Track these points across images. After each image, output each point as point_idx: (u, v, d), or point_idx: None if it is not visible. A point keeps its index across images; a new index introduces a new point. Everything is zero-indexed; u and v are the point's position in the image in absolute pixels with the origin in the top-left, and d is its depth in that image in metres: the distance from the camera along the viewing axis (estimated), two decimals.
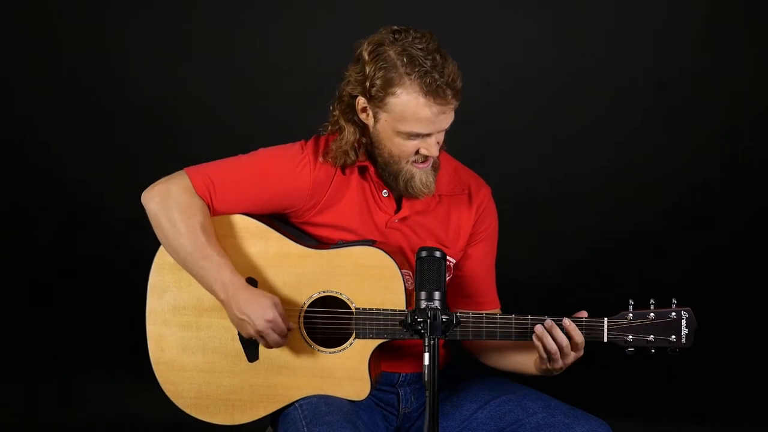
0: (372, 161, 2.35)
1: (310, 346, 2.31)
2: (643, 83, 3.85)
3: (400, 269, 2.26)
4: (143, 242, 2.41)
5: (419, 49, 2.16)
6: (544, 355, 2.22)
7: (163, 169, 2.37)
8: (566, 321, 2.21)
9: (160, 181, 2.31)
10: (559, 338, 2.20)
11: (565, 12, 3.85)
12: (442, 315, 1.87)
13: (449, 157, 2.45)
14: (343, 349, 2.29)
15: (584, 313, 2.26)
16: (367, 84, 2.21)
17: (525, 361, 2.37)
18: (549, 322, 2.21)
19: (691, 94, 3.84)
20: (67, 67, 3.91)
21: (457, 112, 2.25)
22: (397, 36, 2.20)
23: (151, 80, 3.90)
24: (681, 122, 3.87)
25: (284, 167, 2.32)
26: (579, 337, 2.21)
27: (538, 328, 2.21)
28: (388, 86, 2.19)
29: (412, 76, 2.16)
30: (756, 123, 3.84)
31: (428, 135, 2.23)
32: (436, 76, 2.15)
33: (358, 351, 2.28)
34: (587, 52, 3.85)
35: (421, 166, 2.28)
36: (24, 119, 3.95)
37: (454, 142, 2.37)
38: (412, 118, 2.20)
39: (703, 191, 3.87)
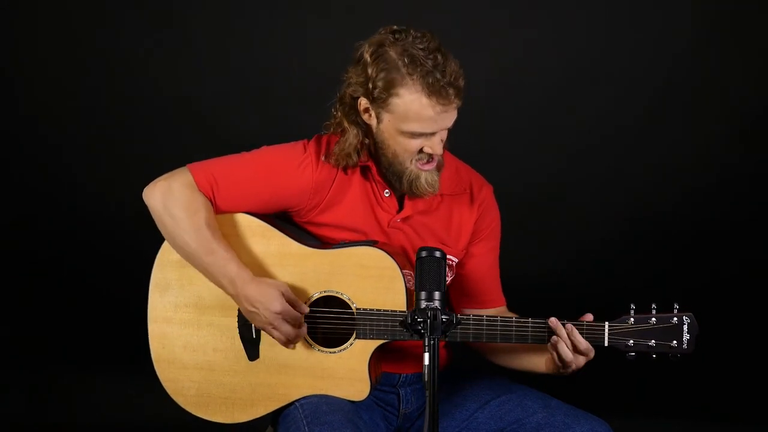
0: (374, 161, 2.36)
1: (311, 345, 2.31)
2: (644, 84, 3.86)
3: (401, 270, 2.26)
4: (146, 239, 2.42)
5: (420, 48, 2.17)
6: (559, 363, 2.23)
7: (164, 165, 2.36)
8: (569, 326, 2.21)
9: (161, 177, 2.31)
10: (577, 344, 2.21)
11: (565, 13, 3.86)
12: (442, 315, 1.87)
13: (451, 156, 2.44)
14: (344, 349, 2.29)
15: (589, 317, 2.26)
16: (369, 86, 2.21)
17: (536, 361, 2.36)
18: (570, 325, 2.21)
19: (691, 96, 3.85)
20: (71, 67, 3.93)
21: (458, 111, 2.25)
22: (397, 36, 2.20)
23: (154, 79, 3.92)
24: (680, 123, 3.88)
25: (286, 166, 2.32)
26: (582, 344, 2.21)
27: (554, 338, 2.21)
28: (390, 87, 2.19)
29: (414, 77, 2.16)
30: (755, 124, 3.84)
31: (432, 134, 2.24)
32: (438, 76, 2.15)
33: (359, 351, 2.28)
34: (588, 53, 3.86)
35: (426, 167, 2.28)
36: (27, 119, 3.97)
37: (454, 141, 2.37)
38: (416, 118, 2.20)
39: (701, 191, 3.87)
